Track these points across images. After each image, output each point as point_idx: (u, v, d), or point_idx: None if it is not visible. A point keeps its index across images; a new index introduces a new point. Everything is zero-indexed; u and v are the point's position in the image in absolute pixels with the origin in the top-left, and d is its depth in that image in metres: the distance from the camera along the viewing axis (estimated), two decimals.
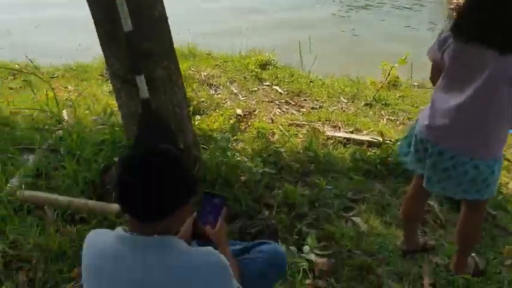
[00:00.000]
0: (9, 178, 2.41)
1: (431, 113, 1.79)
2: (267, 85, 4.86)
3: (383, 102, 4.44)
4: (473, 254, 2.12)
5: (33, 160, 2.61)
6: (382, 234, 2.30)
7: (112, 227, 2.02)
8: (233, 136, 2.58)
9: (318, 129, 3.61)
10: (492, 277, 2.09)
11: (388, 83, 4.98)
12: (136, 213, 1.11)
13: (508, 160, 3.36)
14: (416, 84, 5.22)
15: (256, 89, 4.70)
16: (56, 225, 2.12)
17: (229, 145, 2.72)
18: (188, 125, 2.49)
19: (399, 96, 4.71)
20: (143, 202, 1.08)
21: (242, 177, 2.49)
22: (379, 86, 4.75)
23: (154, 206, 1.08)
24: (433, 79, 1.88)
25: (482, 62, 1.59)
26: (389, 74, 4.80)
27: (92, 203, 2.24)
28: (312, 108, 4.30)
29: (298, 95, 4.62)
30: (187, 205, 1.17)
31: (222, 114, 3.70)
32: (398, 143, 2.65)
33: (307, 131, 3.60)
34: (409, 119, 4.13)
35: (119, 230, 1.15)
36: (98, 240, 1.18)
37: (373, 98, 4.52)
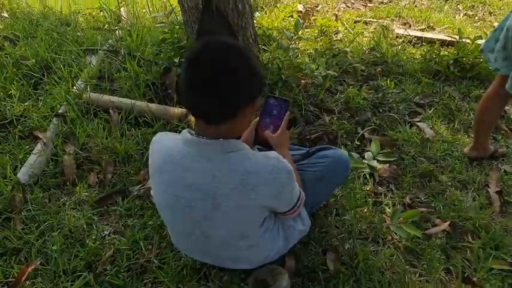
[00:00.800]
0: (75, 80, 2.47)
1: None
2: None
3: None
4: None
5: (96, 62, 2.64)
6: (449, 141, 2.21)
7: (175, 131, 2.08)
8: (296, 34, 2.42)
9: (387, 27, 3.34)
10: None
11: None
12: (202, 112, 1.08)
13: None
14: None
15: None
16: (121, 128, 2.17)
17: (291, 44, 2.59)
18: (250, 21, 2.38)
19: None
20: (208, 99, 1.03)
21: (303, 81, 2.42)
22: None
23: (219, 103, 1.04)
24: None
25: None
26: None
27: (154, 106, 2.25)
28: (381, 2, 3.94)
29: None
30: (253, 106, 1.12)
31: (282, 11, 3.50)
32: (481, 41, 2.37)
33: (375, 29, 3.34)
34: (490, 13, 3.65)
35: (185, 132, 1.16)
36: (164, 142, 1.20)
37: None
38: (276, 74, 2.33)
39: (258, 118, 1.44)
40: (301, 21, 2.45)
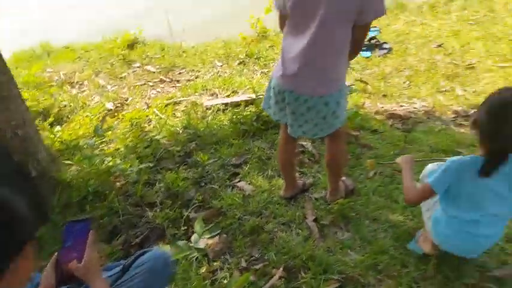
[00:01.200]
0: None
1: (282, 62, 1.85)
2: (138, 67, 4.66)
3: (255, 57, 4.50)
4: (343, 178, 2.32)
5: None
6: (267, 190, 2.40)
7: None
8: (100, 139, 2.41)
9: (196, 102, 3.58)
10: (361, 192, 2.33)
11: (258, 35, 5.06)
12: None
13: (365, 82, 3.66)
14: None
15: (126, 74, 4.49)
16: None
17: (97, 151, 2.57)
18: (39, 143, 2.27)
19: (269, 47, 4.79)
20: None
21: (118, 183, 2.40)
22: (250, 41, 4.79)
23: None
24: (281, 27, 1.91)
25: (316, 5, 1.64)
26: (256, 26, 4.88)
27: None
28: (188, 80, 4.23)
29: (171, 70, 4.51)
30: (26, 253, 0.99)
31: (87, 116, 3.46)
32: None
33: (185, 107, 3.55)
34: None
35: None
36: None
37: (245, 54, 4.55)
38: (83, 188, 2.25)
39: (56, 254, 1.28)
40: (109, 121, 2.44)
